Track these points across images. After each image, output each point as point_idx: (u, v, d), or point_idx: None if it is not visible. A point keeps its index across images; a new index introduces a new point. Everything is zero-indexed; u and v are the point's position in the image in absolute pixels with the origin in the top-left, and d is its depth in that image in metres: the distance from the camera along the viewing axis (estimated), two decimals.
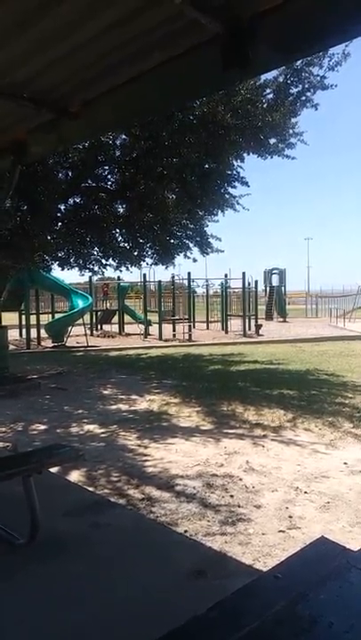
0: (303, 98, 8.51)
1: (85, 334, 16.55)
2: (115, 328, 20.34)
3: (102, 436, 5.89)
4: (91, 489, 4.25)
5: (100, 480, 4.46)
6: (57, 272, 17.10)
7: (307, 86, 8.35)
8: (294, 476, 4.50)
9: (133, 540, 3.32)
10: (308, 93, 8.47)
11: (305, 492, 4.14)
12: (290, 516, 3.69)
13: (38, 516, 3.12)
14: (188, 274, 19.86)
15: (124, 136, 9.29)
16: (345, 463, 4.81)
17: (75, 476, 4.54)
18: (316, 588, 1.36)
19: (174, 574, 2.85)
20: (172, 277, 20.75)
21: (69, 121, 3.32)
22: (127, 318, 21.04)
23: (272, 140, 9.11)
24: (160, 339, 17.45)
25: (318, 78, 8.20)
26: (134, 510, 3.83)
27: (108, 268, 12.36)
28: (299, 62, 7.72)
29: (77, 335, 16.68)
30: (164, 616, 2.30)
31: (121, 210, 10.74)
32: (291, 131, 9.09)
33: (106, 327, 20.48)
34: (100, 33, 2.41)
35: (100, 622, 2.45)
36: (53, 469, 4.25)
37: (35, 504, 3.11)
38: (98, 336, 18.80)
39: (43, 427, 6.33)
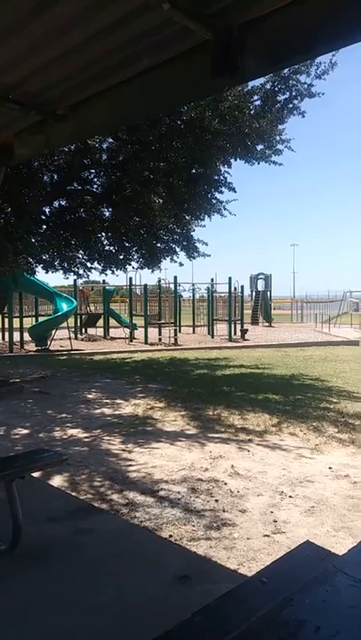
0: (290, 105, 8.59)
1: (69, 338, 16.44)
2: (100, 332, 20.25)
3: (86, 440, 5.84)
4: (74, 494, 4.21)
5: (84, 485, 4.42)
6: (41, 275, 16.97)
7: (294, 94, 8.43)
8: (279, 481, 4.52)
9: (118, 545, 3.30)
10: (296, 101, 8.55)
11: (290, 497, 4.16)
12: (275, 521, 3.70)
13: (21, 522, 3.08)
14: (175, 278, 19.87)
15: (110, 139, 9.28)
16: (330, 468, 4.85)
17: (58, 480, 4.49)
18: (302, 592, 1.36)
19: (159, 579, 2.84)
20: (159, 281, 20.73)
21: (57, 124, 3.31)
22: (112, 322, 20.95)
23: (259, 147, 9.17)
24: (146, 343, 17.41)
25: (306, 86, 8.29)
26: (118, 515, 3.81)
27: (93, 271, 12.30)
28: (286, 70, 7.79)
29: (61, 339, 16.57)
30: (150, 622, 2.29)
31: (107, 213, 10.70)
32: (278, 137, 9.16)
33: (91, 331, 20.37)
34: (90, 37, 2.41)
35: (87, 629, 2.42)
36: (36, 474, 4.21)
37: (17, 509, 3.07)
38: (82, 340, 18.67)
39: (25, 431, 6.26)
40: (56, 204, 10.29)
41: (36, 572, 2.89)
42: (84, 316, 20.16)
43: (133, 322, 19.22)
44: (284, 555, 1.81)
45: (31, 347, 15.77)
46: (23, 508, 3.13)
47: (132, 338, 18.45)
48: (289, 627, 1.22)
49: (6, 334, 15.99)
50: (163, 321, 19.27)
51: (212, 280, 22.49)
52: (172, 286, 20.16)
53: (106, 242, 11.08)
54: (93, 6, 2.19)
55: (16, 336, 15.80)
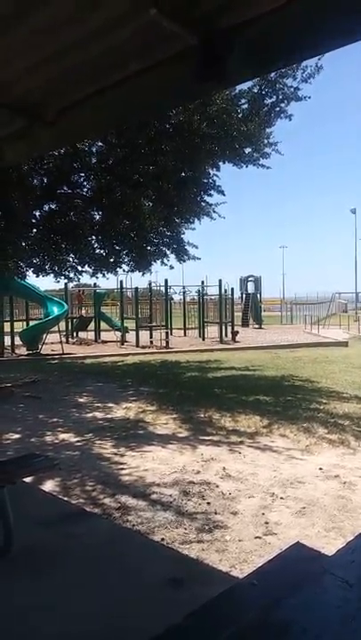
0: (277, 108, 8.64)
1: (61, 342, 16.36)
2: (91, 335, 20.18)
3: (77, 444, 5.82)
4: (66, 499, 4.20)
5: (75, 489, 4.40)
6: (32, 279, 16.86)
7: (281, 97, 8.48)
8: (270, 482, 4.53)
9: (109, 549, 3.29)
10: (283, 104, 8.60)
11: (281, 498, 4.17)
12: (266, 522, 3.71)
13: (12, 528, 3.06)
14: (165, 281, 19.90)
15: (100, 143, 9.27)
16: (320, 468, 4.87)
17: (49, 485, 4.47)
18: (291, 593, 1.37)
19: (151, 583, 2.83)
20: (149, 284, 20.74)
21: (45, 128, 3.31)
22: (103, 325, 20.90)
23: (247, 150, 9.22)
24: (137, 346, 17.37)
25: (292, 90, 8.35)
26: (110, 519, 3.80)
27: (83, 274, 12.27)
28: (273, 74, 7.84)
29: (52, 343, 16.49)
30: (141, 625, 2.28)
31: (97, 216, 10.68)
32: (265, 140, 9.21)
33: (82, 334, 20.29)
34: (77, 42, 2.42)
35: (77, 634, 2.41)
36: (28, 479, 4.18)
37: (8, 515, 3.06)
38: (73, 343, 18.60)
39: (16, 436, 6.23)
40: (46, 207, 10.25)
41: (27, 577, 2.88)
42: (75, 320, 20.10)
43: (125, 325, 19.19)
44: (274, 556, 1.82)
45: (22, 351, 15.68)
46: (14, 513, 3.11)
47: (123, 341, 18.41)
48: (278, 628, 1.23)
49: None
50: (154, 324, 19.27)
51: (203, 283, 22.53)
52: (162, 289, 20.17)
53: (96, 245, 11.05)
54: (80, 10, 2.19)
55: (7, 340, 15.70)
